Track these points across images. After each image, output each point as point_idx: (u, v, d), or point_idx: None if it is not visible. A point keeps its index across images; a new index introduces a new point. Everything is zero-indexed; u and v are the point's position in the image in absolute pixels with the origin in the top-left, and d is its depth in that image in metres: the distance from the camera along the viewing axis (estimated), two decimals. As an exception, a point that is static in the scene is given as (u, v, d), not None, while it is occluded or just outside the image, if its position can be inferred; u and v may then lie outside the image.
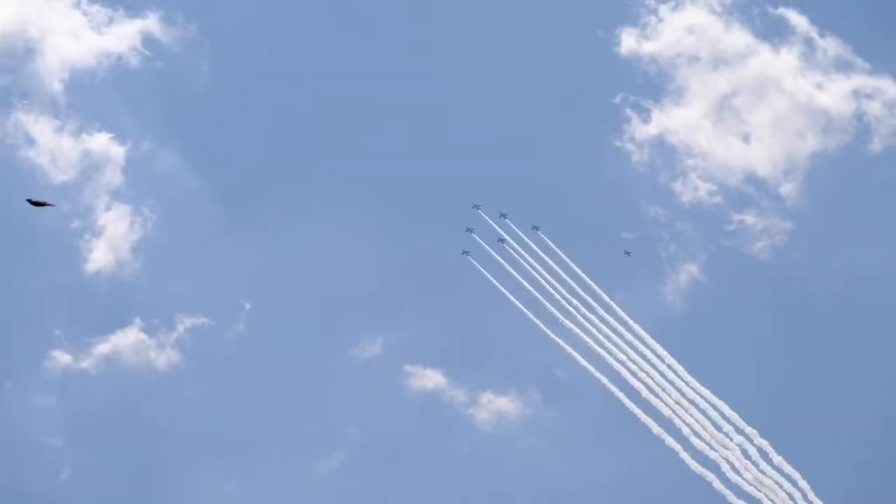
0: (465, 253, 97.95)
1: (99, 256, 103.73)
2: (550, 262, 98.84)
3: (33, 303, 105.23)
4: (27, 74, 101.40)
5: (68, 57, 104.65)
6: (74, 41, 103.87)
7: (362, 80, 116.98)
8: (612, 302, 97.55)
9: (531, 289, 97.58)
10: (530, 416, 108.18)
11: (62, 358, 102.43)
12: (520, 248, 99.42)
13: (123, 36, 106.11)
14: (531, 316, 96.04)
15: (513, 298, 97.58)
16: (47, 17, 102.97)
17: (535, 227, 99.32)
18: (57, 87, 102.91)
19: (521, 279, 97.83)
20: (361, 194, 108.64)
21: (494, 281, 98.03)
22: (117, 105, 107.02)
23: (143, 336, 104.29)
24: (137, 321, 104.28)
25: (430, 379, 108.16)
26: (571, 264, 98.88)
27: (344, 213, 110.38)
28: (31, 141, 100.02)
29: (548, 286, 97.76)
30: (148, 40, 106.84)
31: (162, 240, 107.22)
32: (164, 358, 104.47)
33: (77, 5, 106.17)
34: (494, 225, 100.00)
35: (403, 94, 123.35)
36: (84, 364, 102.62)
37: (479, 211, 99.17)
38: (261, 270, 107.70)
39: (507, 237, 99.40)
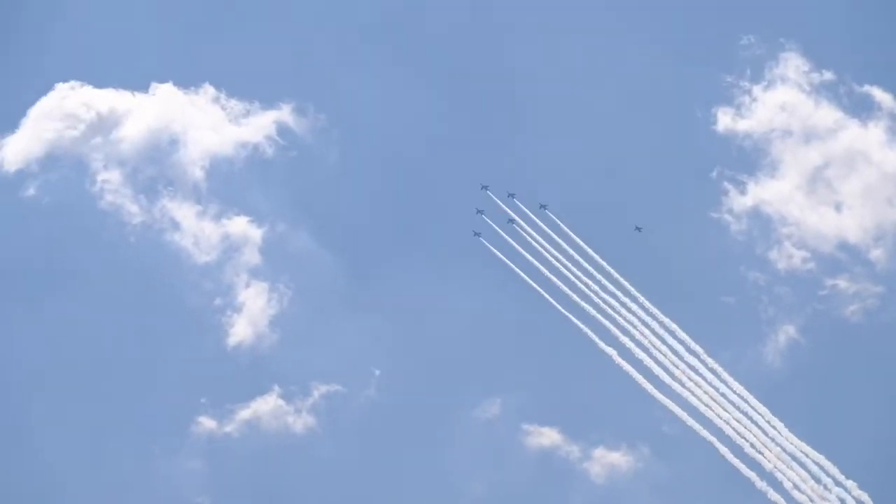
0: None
1: (240, 330, 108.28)
2: (657, 327, 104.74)
3: (181, 373, 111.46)
4: (172, 164, 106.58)
5: (209, 147, 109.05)
6: (214, 133, 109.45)
7: (476, 158, 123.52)
8: (715, 363, 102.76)
9: (641, 352, 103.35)
10: (640, 469, 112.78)
11: (207, 423, 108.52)
12: (627, 313, 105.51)
13: (259, 127, 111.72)
14: (640, 377, 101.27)
15: (622, 361, 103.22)
16: (190, 113, 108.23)
17: (633, 297, 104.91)
18: (199, 175, 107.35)
19: (633, 346, 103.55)
20: (475, 262, 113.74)
21: (608, 349, 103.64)
22: (254, 190, 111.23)
23: (281, 402, 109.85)
24: (276, 389, 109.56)
25: (547, 436, 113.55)
26: (675, 326, 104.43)
27: (461, 281, 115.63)
28: (175, 225, 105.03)
29: (656, 349, 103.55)
30: (282, 130, 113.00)
31: (297, 313, 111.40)
32: (300, 422, 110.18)
33: (216, 100, 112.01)
34: (613, 301, 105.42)
35: (519, 170, 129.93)
36: (227, 429, 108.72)
37: (593, 285, 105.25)
38: (388, 338, 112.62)
39: (616, 304, 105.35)
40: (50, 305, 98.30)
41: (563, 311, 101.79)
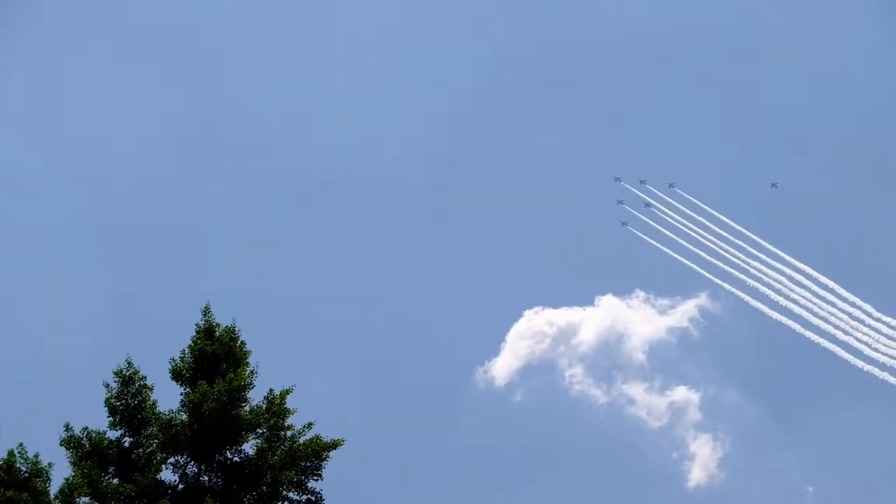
0: None
1: (695, 475, 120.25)
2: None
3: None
4: (620, 354, 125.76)
5: (646, 336, 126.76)
6: (649, 324, 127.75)
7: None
8: None
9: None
10: None
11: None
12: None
13: (683, 313, 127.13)
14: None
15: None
16: (628, 314, 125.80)
17: None
18: (642, 358, 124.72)
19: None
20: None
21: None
22: (687, 363, 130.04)
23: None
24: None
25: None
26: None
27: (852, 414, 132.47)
28: (631, 401, 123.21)
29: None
30: (703, 313, 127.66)
31: (737, 454, 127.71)
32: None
33: (647, 300, 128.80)
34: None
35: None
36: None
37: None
38: (814, 463, 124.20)
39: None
40: (541, 483, 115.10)
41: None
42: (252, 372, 30.27)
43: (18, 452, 26.25)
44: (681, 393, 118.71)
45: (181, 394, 29.63)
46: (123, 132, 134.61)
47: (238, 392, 29.47)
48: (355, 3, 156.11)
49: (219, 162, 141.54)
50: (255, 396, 30.17)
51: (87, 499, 26.91)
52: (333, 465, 29.93)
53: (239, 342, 30.69)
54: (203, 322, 30.63)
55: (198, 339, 30.32)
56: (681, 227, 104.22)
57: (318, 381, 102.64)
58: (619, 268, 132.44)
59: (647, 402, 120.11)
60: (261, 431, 29.65)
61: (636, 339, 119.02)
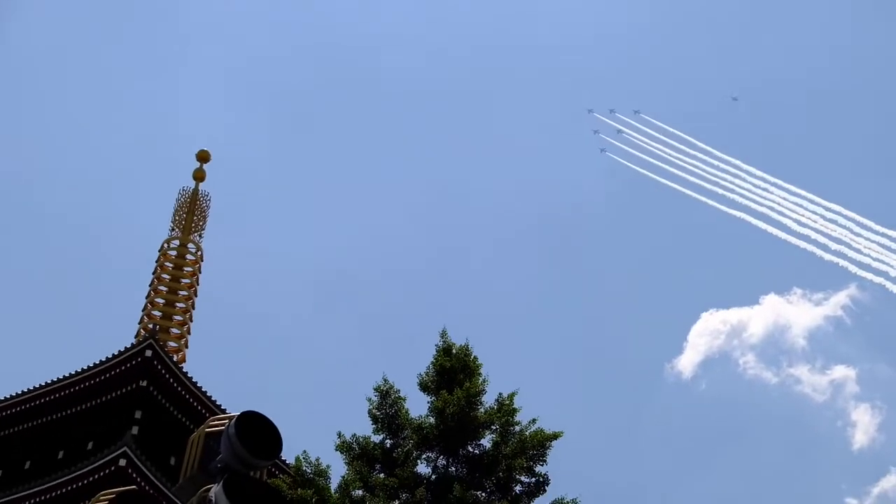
0: None
1: (858, 439, 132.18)
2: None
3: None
4: (785, 341, 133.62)
5: (805, 325, 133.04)
6: (807, 315, 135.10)
7: None
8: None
9: None
10: None
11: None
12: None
13: (835, 304, 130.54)
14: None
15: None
16: (788, 308, 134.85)
17: None
18: (803, 343, 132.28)
19: None
20: None
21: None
22: (843, 346, 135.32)
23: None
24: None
25: None
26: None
27: None
28: (797, 380, 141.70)
29: None
30: (854, 301, 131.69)
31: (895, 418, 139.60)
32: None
33: (803, 296, 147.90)
34: None
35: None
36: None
37: None
38: None
39: None
40: (731, 454, 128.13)
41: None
42: (484, 381, 35.16)
43: (303, 458, 33.04)
44: (840, 371, 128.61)
45: (428, 402, 34.94)
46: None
47: (474, 397, 34.40)
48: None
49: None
50: (488, 399, 35.17)
51: (359, 491, 33.24)
52: (555, 452, 34.61)
53: (472, 357, 35.95)
54: (441, 343, 36.23)
55: (438, 356, 35.77)
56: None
57: (539, 384, 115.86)
58: (777, 270, 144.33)
59: (811, 380, 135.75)
60: (494, 428, 34.11)
61: (797, 328, 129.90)
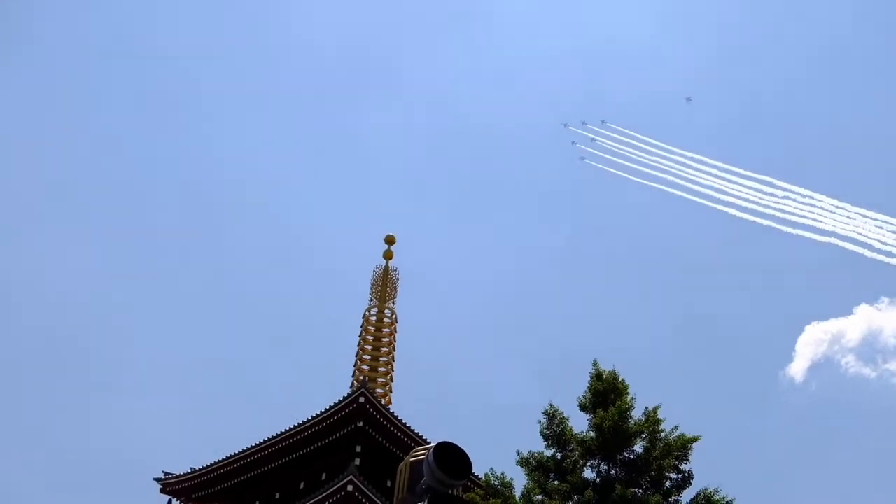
0: None
1: None
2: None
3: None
4: (879, 342, 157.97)
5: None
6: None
7: None
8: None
9: None
10: None
11: None
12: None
13: None
14: None
15: None
16: (878, 315, 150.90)
17: None
18: (894, 342, 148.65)
19: None
20: None
21: None
22: None
23: None
24: None
25: None
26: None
27: None
28: (893, 374, 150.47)
29: None
30: None
31: None
32: None
33: (891, 303, 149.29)
34: None
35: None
36: None
37: None
38: None
39: None
40: (846, 443, 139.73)
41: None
42: (632, 398, 41.71)
43: (491, 474, 40.48)
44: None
45: (587, 419, 41.80)
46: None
47: (625, 413, 40.29)
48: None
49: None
50: (636, 413, 41.15)
51: (539, 497, 40.42)
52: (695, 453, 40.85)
53: (620, 380, 42.55)
54: (593, 370, 43.22)
55: (592, 382, 42.44)
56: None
57: (674, 395, 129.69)
58: (865, 283, 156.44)
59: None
60: (644, 436, 39.80)
61: (888, 330, 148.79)
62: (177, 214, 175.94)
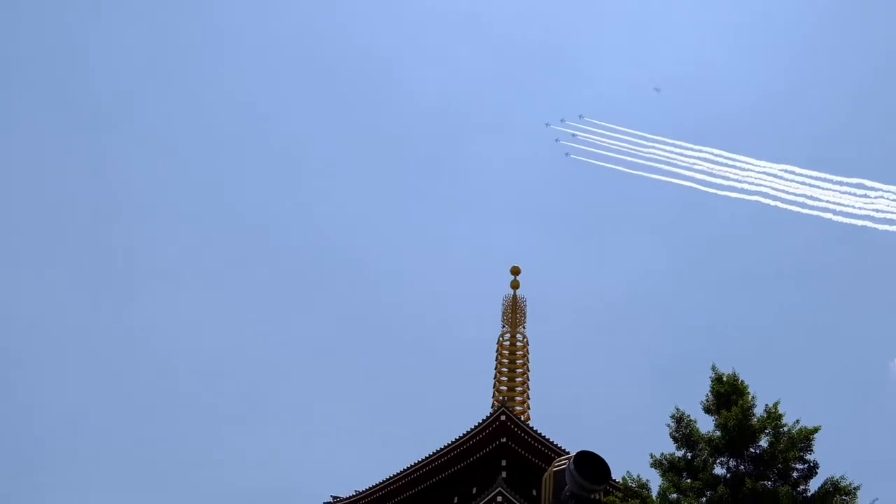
0: None
1: None
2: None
3: None
4: None
5: None
6: None
7: None
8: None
9: None
10: None
11: None
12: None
13: None
14: None
15: None
16: None
17: None
18: None
19: None
20: None
21: None
22: None
23: None
24: None
25: None
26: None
27: None
28: None
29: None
30: None
31: None
32: None
33: None
34: None
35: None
36: None
37: None
38: None
39: None
40: None
41: None
42: (753, 397, 43.67)
43: (628, 477, 43.22)
44: None
45: (713, 420, 43.62)
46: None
47: (747, 411, 41.97)
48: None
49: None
50: (758, 410, 42.64)
51: (674, 495, 42.91)
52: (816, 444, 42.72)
53: (739, 381, 44.49)
54: (713, 374, 45.62)
55: (714, 385, 44.56)
56: None
57: (792, 390, 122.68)
58: None
59: None
60: (768, 431, 41.66)
61: None
62: (316, 261, 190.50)
